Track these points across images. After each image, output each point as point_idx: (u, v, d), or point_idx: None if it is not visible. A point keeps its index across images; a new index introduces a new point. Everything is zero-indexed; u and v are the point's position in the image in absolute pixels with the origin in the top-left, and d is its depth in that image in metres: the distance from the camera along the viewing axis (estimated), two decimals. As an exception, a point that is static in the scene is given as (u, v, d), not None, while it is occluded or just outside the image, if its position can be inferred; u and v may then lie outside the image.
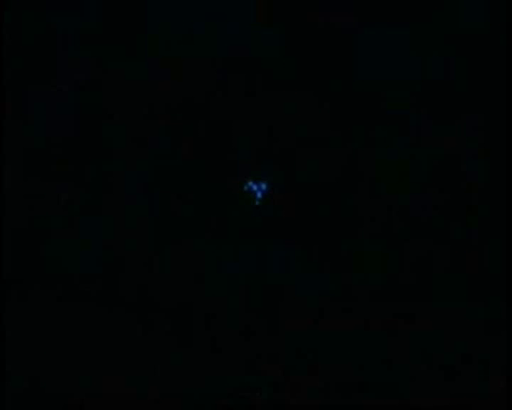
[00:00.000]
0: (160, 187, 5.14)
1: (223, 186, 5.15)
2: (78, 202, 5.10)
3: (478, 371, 4.76)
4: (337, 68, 5.09)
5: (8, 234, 5.01)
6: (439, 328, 4.90)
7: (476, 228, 5.00)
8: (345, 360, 4.85)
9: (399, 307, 4.97)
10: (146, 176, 5.14)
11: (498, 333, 4.84)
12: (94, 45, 5.14)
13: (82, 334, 4.93)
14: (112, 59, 5.16)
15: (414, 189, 5.07)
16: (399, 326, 4.91)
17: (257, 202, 5.09)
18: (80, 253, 5.05)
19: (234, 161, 5.14)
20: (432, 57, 5.09)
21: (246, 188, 5.12)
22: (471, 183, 5.02)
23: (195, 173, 5.15)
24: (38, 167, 5.11)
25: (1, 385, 4.72)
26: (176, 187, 5.14)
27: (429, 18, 5.03)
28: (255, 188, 5.11)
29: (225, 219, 5.11)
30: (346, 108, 5.09)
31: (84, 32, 5.12)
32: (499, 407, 4.62)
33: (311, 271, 5.05)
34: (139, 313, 4.98)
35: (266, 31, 5.11)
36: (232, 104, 5.15)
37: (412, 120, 5.05)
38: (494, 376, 4.73)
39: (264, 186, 5.11)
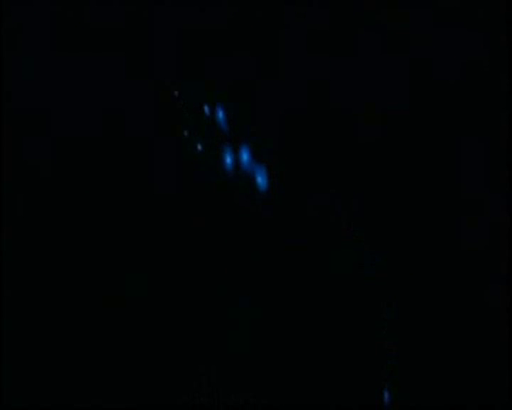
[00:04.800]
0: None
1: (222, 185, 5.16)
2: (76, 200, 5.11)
3: (478, 371, 4.78)
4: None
5: (8, 234, 5.02)
6: (439, 328, 4.92)
7: (476, 228, 5.02)
8: (344, 359, 4.87)
9: (399, 306, 4.98)
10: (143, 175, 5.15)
11: (499, 333, 4.86)
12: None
13: (81, 334, 4.94)
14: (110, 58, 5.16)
15: (413, 188, 5.09)
16: (399, 326, 4.94)
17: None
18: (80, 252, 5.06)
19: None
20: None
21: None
22: (471, 185, 5.04)
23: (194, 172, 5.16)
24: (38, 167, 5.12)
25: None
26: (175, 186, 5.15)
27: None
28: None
29: (224, 219, 5.12)
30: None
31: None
32: (499, 407, 4.64)
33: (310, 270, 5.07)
34: (139, 313, 4.99)
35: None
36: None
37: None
38: (494, 376, 4.75)
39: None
